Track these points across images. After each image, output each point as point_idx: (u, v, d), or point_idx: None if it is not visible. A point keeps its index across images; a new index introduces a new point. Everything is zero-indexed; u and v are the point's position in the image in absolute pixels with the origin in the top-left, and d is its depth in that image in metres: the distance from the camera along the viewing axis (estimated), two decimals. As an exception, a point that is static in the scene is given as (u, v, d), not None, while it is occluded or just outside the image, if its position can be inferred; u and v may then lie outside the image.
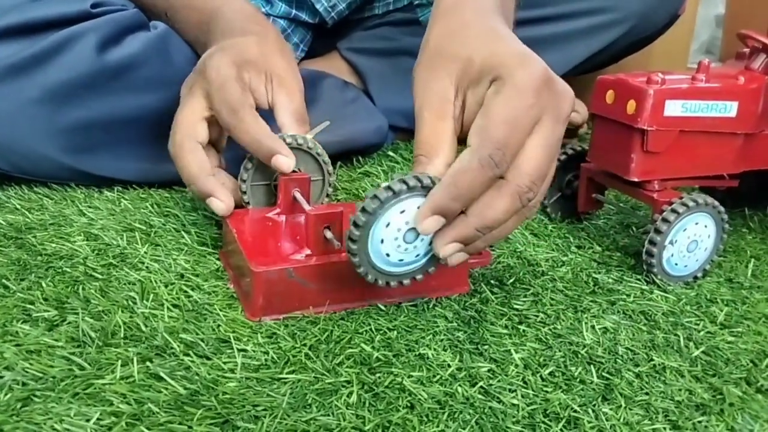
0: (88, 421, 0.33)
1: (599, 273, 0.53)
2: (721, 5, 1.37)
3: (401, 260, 0.42)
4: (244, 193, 0.52)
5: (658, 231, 0.50)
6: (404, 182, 0.39)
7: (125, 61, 0.60)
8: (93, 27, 0.59)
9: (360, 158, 0.75)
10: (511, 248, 0.56)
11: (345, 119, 0.76)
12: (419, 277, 0.43)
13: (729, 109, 0.52)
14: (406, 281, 0.43)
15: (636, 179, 0.52)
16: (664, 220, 0.49)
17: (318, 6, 0.80)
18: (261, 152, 0.50)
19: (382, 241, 0.41)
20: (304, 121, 0.55)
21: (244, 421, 0.34)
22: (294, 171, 0.52)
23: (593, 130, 0.56)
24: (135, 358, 0.38)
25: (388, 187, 0.39)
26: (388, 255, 0.41)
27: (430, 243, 0.41)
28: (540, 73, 0.40)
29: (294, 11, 0.81)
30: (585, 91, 1.03)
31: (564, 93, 0.41)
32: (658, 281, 0.51)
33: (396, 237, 0.41)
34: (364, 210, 0.39)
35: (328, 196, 0.56)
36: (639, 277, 0.52)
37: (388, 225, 0.40)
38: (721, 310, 0.48)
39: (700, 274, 0.53)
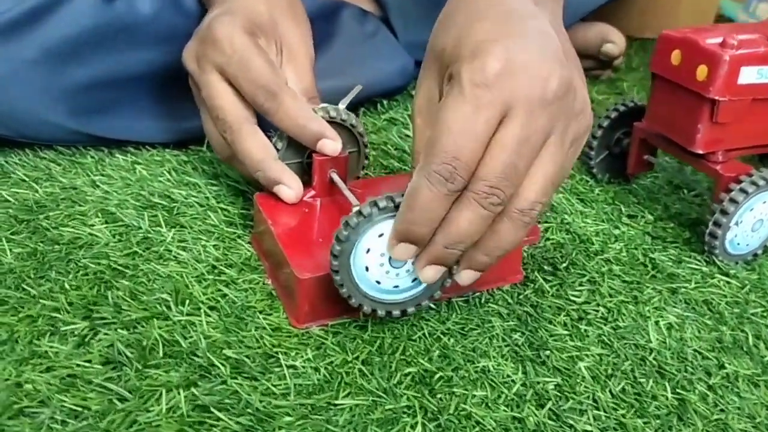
0: (138, 471, 0.31)
1: (655, 251, 0.50)
2: None
3: (396, 286, 0.38)
4: None
5: (724, 212, 0.46)
6: (375, 204, 0.36)
7: (134, 12, 0.54)
8: None
9: (384, 102, 0.70)
10: (558, 219, 0.52)
11: (365, 59, 0.70)
12: (425, 303, 0.40)
13: (809, 73, 0.47)
14: (410, 309, 0.39)
15: (701, 151, 0.48)
16: (732, 200, 0.46)
17: None
18: (305, 137, 0.45)
19: (366, 269, 0.37)
20: (314, 101, 0.49)
21: (304, 461, 0.32)
22: None
23: (652, 90, 0.51)
24: (179, 384, 0.35)
25: (359, 212, 0.36)
26: (378, 282, 0.38)
27: None
28: (492, 68, 0.33)
29: None
30: (621, 19, 0.96)
31: (531, 77, 0.34)
32: (718, 263, 0.48)
33: (381, 263, 0.37)
34: (337, 238, 0.36)
35: (364, 167, 0.51)
36: (697, 256, 0.49)
37: (368, 251, 0.37)
38: (788, 299, 0.46)
39: (760, 251, 0.50)
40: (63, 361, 0.36)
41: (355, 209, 0.36)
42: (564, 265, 0.47)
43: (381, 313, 0.39)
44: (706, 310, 0.44)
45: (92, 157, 0.55)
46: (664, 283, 0.46)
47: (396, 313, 0.39)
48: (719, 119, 0.46)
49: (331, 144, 0.45)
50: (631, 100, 0.56)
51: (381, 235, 0.37)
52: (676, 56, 0.48)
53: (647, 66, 0.87)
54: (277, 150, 0.46)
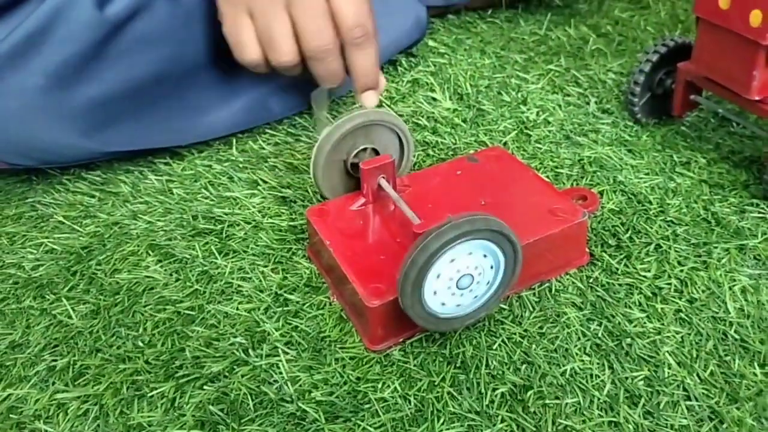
0: None
1: (715, 202, 0.48)
2: None
3: (458, 305, 0.38)
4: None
5: (788, 160, 0.45)
6: (454, 227, 0.35)
7: (129, 12, 0.51)
8: None
9: (403, 61, 0.67)
10: (610, 179, 0.51)
11: (379, 14, 0.66)
12: (482, 315, 0.39)
13: None
14: (468, 322, 0.39)
15: (758, 98, 0.46)
16: (797, 148, 0.44)
17: None
18: (369, 79, 0.51)
19: (435, 293, 0.37)
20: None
21: None
22: (373, 149, 0.46)
23: (699, 33, 0.48)
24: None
25: (435, 235, 0.35)
26: (443, 303, 0.38)
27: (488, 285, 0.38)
28: None
29: None
30: None
31: None
32: (783, 208, 0.47)
33: (449, 286, 0.37)
34: (412, 264, 0.35)
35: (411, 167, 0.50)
36: (759, 202, 0.48)
37: (438, 276, 0.36)
38: None
39: (824, 188, 0.48)
40: (158, 429, 0.36)
41: (429, 236, 0.35)
42: (627, 235, 0.46)
43: (443, 328, 0.39)
44: (779, 265, 0.44)
45: (125, 183, 0.54)
46: (731, 239, 0.46)
47: (456, 326, 0.39)
48: (775, 63, 0.44)
49: (373, 98, 0.52)
50: (671, 38, 0.53)
51: (453, 261, 0.36)
52: (724, 0, 0.45)
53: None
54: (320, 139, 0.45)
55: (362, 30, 0.49)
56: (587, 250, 0.45)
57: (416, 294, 0.36)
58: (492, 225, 0.36)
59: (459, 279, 0.37)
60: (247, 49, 0.51)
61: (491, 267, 0.38)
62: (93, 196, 0.53)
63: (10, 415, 0.38)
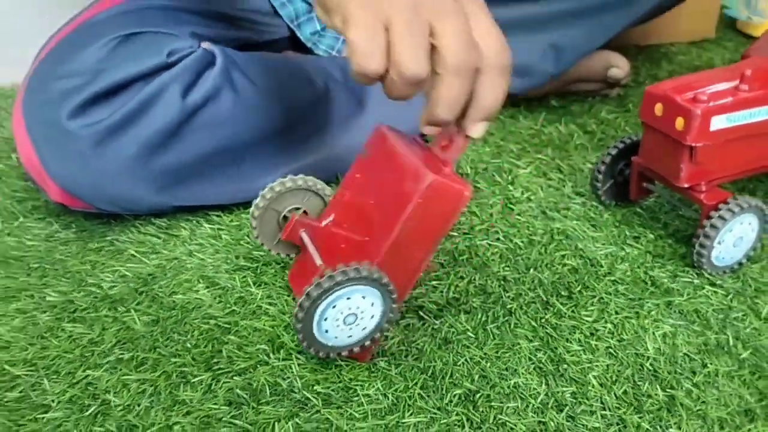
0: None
1: (655, 268, 0.60)
2: None
3: (350, 336, 0.48)
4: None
5: (707, 236, 0.56)
6: (331, 278, 0.44)
7: (203, 100, 0.66)
8: (174, 77, 0.64)
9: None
10: (572, 246, 0.63)
11: (401, 109, 0.80)
12: (367, 343, 0.49)
13: (771, 111, 0.57)
14: (356, 349, 0.49)
15: (685, 185, 0.58)
16: (713, 226, 0.55)
17: None
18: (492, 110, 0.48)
19: (326, 331, 0.47)
20: None
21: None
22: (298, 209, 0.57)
23: (644, 134, 0.61)
24: (285, 416, 0.47)
25: (318, 284, 0.44)
26: (336, 337, 0.47)
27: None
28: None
29: None
30: (626, 51, 1.05)
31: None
32: (706, 274, 0.58)
33: (337, 324, 0.47)
34: (300, 306, 0.45)
35: None
36: (690, 270, 0.59)
37: (326, 319, 0.46)
38: (765, 303, 0.55)
39: (744, 261, 0.59)
40: (197, 405, 0.48)
41: (315, 281, 0.44)
42: (578, 289, 0.58)
43: (332, 355, 0.48)
44: (696, 318, 0.54)
45: (185, 228, 0.67)
46: (662, 297, 0.56)
47: (344, 353, 0.49)
48: (698, 160, 0.56)
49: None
50: (629, 137, 0.65)
51: (334, 307, 0.46)
52: (658, 108, 0.57)
53: (653, 78, 0.96)
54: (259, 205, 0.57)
55: (508, 57, 0.46)
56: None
57: (309, 331, 0.46)
58: (362, 272, 0.44)
59: (345, 318, 0.47)
60: (375, 59, 0.44)
61: (372, 305, 0.47)
62: (159, 237, 0.67)
63: (88, 388, 0.50)
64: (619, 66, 0.88)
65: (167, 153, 0.65)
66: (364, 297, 0.46)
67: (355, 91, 0.79)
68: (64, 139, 0.61)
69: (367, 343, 0.49)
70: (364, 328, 0.48)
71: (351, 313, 0.47)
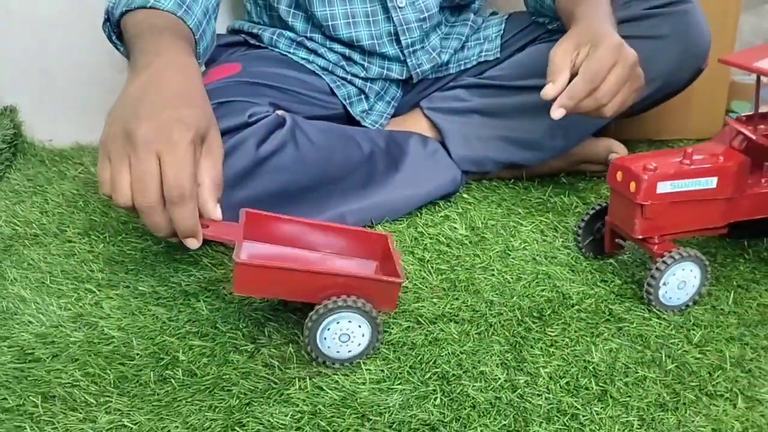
0: (285, 416, 0.58)
1: (615, 304, 0.73)
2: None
3: (350, 351, 0.63)
4: None
5: (653, 277, 0.70)
6: (329, 304, 0.61)
7: (272, 152, 0.85)
8: (252, 133, 0.84)
9: (440, 203, 0.98)
10: (551, 284, 0.77)
11: (428, 171, 0.99)
12: (363, 358, 0.64)
13: (710, 182, 0.71)
14: (355, 361, 0.64)
15: (640, 237, 0.72)
16: (658, 269, 0.69)
17: (409, 62, 1.03)
18: (184, 231, 0.65)
19: (328, 347, 0.63)
20: (219, 186, 0.69)
21: (373, 415, 0.58)
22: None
23: (611, 197, 0.76)
24: (306, 377, 0.62)
25: (317, 310, 0.62)
26: (338, 351, 0.63)
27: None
28: (615, 42, 0.80)
29: (385, 71, 1.04)
30: (640, 125, 1.21)
31: (629, 51, 0.80)
32: (656, 311, 0.71)
33: (336, 341, 0.63)
34: (305, 326, 0.62)
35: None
36: (645, 308, 0.73)
37: (324, 338, 0.62)
38: (698, 333, 0.68)
39: (690, 304, 0.72)
40: (241, 365, 0.64)
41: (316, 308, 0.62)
42: (548, 313, 0.72)
43: (337, 365, 0.63)
44: (639, 340, 0.68)
45: (247, 249, 0.86)
46: (615, 323, 0.70)
47: (345, 363, 0.64)
48: (647, 216, 0.71)
49: (194, 243, 0.66)
50: (604, 202, 0.80)
51: (328, 329, 0.62)
52: (619, 175, 0.73)
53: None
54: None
55: (178, 190, 0.62)
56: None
57: (314, 345, 0.62)
58: (348, 302, 0.61)
59: (339, 336, 0.62)
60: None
61: (359, 326, 0.63)
62: (227, 255, 0.85)
63: (163, 347, 0.67)
64: (618, 152, 1.03)
65: (244, 189, 0.84)
66: (350, 321, 0.63)
67: (393, 157, 0.98)
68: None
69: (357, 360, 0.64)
70: (359, 344, 0.64)
71: (344, 333, 0.63)
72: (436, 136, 1.06)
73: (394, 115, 1.10)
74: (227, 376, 0.63)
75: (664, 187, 0.70)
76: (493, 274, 0.79)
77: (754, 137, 0.73)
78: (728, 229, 0.77)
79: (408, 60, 1.04)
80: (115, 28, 0.82)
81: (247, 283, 0.62)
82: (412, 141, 1.02)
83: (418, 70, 1.06)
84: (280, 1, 1.02)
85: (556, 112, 0.80)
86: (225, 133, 0.84)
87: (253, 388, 0.62)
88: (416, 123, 1.07)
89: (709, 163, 0.72)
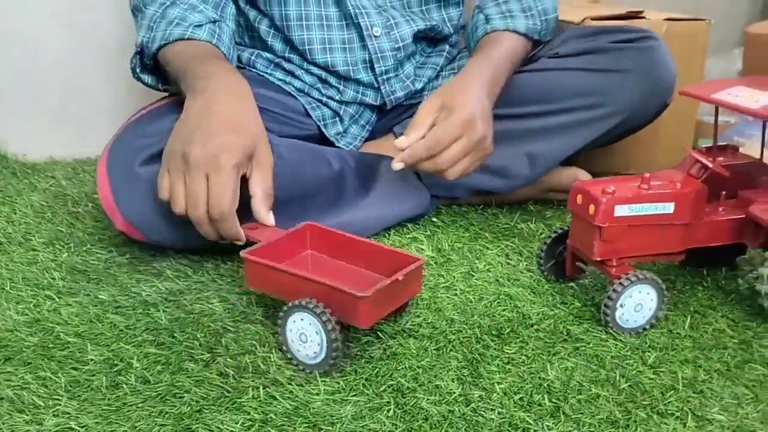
0: (236, 423, 0.58)
1: (573, 325, 0.74)
2: (739, 61, 1.53)
3: (315, 353, 0.64)
4: None
5: (610, 298, 0.71)
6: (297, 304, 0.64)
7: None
8: None
9: (409, 225, 0.99)
10: (512, 304, 0.78)
11: (397, 194, 1.00)
12: (328, 368, 0.65)
13: (667, 208, 0.73)
14: (320, 370, 0.65)
15: (598, 259, 0.73)
16: (614, 290, 0.70)
17: (382, 89, 1.04)
18: (228, 237, 0.76)
19: (292, 342, 0.65)
20: (270, 196, 0.78)
21: (325, 425, 0.58)
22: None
23: (571, 220, 0.77)
24: (260, 386, 0.62)
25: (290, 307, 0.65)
26: (299, 350, 0.65)
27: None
28: (467, 114, 0.82)
29: (360, 96, 1.05)
30: (607, 158, 1.23)
31: (477, 126, 0.83)
32: (613, 332, 0.72)
33: (297, 339, 0.65)
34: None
35: None
36: (602, 329, 0.73)
37: (290, 337, 0.65)
38: (653, 355, 0.69)
39: (648, 327, 0.73)
40: (197, 373, 0.64)
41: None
42: (507, 331, 0.72)
43: (292, 371, 0.65)
44: (595, 360, 0.68)
45: (212, 262, 0.86)
46: (572, 343, 0.71)
47: (308, 370, 0.65)
48: (604, 238, 0.72)
49: (238, 242, 0.76)
50: (565, 227, 0.82)
51: (290, 330, 0.64)
52: (579, 198, 0.74)
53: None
54: None
55: (218, 210, 0.73)
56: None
57: (284, 338, 0.65)
58: (304, 303, 0.63)
59: (299, 335, 0.64)
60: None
61: (316, 332, 0.63)
62: (191, 267, 0.85)
63: (118, 354, 0.67)
64: (579, 178, 1.05)
65: None
66: (310, 324, 0.64)
67: (364, 177, 0.99)
68: (134, 181, 0.82)
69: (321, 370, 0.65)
70: (315, 353, 0.64)
71: (302, 332, 0.64)
72: (408, 160, 1.07)
73: (369, 140, 1.11)
74: (180, 384, 0.63)
75: (621, 210, 0.72)
76: (456, 294, 0.80)
77: (710, 165, 0.74)
78: (687, 256, 0.79)
79: (382, 87, 1.06)
80: (149, 60, 0.90)
81: (250, 278, 0.70)
82: (384, 165, 1.03)
83: (391, 97, 1.07)
84: (260, 21, 1.04)
85: (396, 165, 0.84)
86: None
87: (205, 395, 0.61)
88: (390, 148, 1.09)
89: (666, 189, 0.73)
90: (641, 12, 1.22)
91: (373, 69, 1.04)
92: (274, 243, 0.73)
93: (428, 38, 1.13)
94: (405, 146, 0.83)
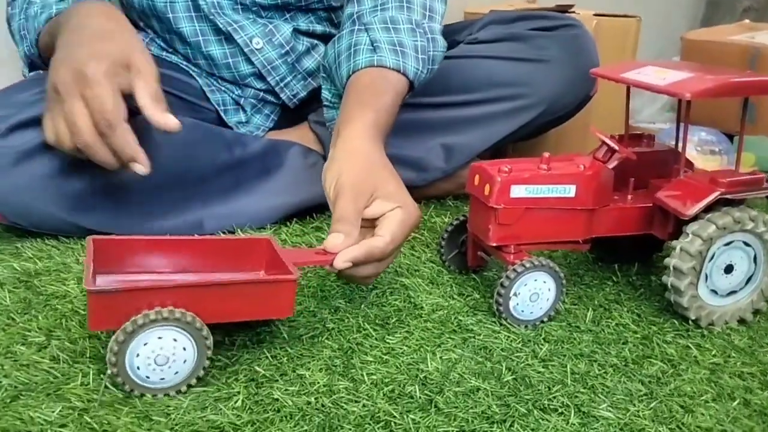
0: (52, 412, 0.50)
1: (467, 317, 0.68)
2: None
3: (162, 379, 0.52)
4: None
5: (503, 285, 0.65)
6: (145, 316, 0.50)
7: None
8: None
9: (314, 215, 0.92)
10: (405, 294, 0.71)
11: (304, 182, 0.93)
12: (183, 387, 0.53)
13: (568, 191, 0.67)
14: (172, 392, 0.52)
15: (494, 244, 0.67)
16: (507, 277, 0.64)
17: (282, 95, 0.97)
18: (123, 156, 0.69)
19: (138, 368, 0.51)
20: (160, 99, 0.70)
21: (156, 415, 0.50)
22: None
23: (470, 204, 0.72)
24: (91, 372, 0.54)
25: (133, 321, 0.50)
26: (148, 377, 0.51)
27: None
28: (415, 220, 0.67)
29: (262, 94, 0.98)
30: (538, 152, 1.18)
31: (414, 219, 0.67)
32: (507, 324, 0.66)
33: (149, 363, 0.51)
34: (115, 341, 0.50)
35: None
36: (496, 321, 0.67)
37: (137, 355, 0.50)
38: (546, 347, 0.63)
39: (546, 319, 0.67)
40: (25, 357, 0.56)
41: (130, 321, 0.50)
42: (394, 320, 0.66)
43: (148, 395, 0.52)
44: (483, 353, 0.62)
45: (81, 245, 0.78)
46: (461, 335, 0.64)
47: (159, 396, 0.52)
48: (500, 221, 0.66)
49: (140, 167, 0.69)
50: (465, 214, 0.76)
51: (146, 344, 0.50)
52: (476, 179, 0.68)
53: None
54: None
55: (104, 121, 0.66)
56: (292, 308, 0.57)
57: (122, 365, 0.50)
58: (175, 314, 0.50)
59: (156, 357, 0.51)
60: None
61: (183, 349, 0.52)
62: (58, 249, 0.77)
63: (-59, 336, 0.58)
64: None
65: (80, 179, 0.77)
66: (175, 340, 0.52)
67: (267, 164, 0.92)
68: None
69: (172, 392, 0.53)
70: (176, 372, 0.52)
71: (162, 354, 0.51)
72: (321, 150, 1.01)
73: (281, 126, 1.04)
74: (1, 366, 0.55)
75: (518, 191, 0.66)
76: (346, 283, 0.73)
77: (616, 147, 0.69)
78: (594, 247, 0.73)
79: (281, 93, 0.98)
80: (42, 62, 0.84)
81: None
82: (293, 150, 0.96)
83: (294, 99, 1.00)
84: (146, 23, 0.97)
85: (342, 265, 0.62)
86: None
87: (26, 381, 0.53)
88: (303, 135, 1.02)
89: (567, 170, 0.68)
90: (571, 6, 1.18)
91: (265, 80, 0.97)
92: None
93: (309, 33, 1.01)
94: (341, 249, 0.63)
